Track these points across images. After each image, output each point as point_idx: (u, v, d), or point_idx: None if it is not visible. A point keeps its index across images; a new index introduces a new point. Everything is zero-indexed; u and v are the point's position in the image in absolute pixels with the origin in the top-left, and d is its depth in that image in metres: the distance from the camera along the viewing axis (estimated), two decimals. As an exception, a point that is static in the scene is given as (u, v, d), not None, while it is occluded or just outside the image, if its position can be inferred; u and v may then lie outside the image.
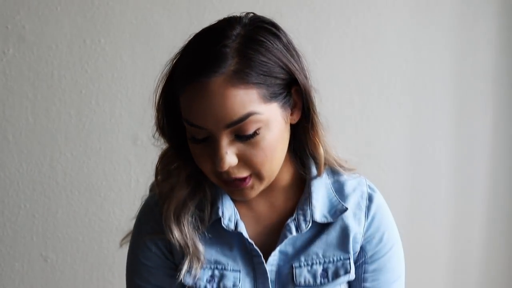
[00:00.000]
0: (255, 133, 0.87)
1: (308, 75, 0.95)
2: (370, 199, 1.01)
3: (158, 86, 0.94)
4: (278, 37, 0.91)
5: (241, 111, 0.85)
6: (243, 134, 0.87)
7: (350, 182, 1.01)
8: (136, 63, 1.72)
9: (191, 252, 0.95)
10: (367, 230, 0.99)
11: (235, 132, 0.87)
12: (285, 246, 0.97)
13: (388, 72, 1.85)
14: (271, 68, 0.88)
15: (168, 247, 0.99)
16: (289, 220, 0.97)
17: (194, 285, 0.96)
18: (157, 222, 1.00)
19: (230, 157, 0.88)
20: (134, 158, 1.74)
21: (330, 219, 0.98)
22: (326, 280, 0.96)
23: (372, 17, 1.82)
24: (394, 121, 1.87)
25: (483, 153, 1.95)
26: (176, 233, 0.95)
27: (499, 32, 1.90)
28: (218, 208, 0.97)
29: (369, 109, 1.85)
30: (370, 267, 1.00)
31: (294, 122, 0.95)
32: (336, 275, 0.96)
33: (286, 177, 1.01)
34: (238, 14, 0.94)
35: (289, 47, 0.92)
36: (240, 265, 0.97)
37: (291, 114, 0.94)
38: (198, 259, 0.96)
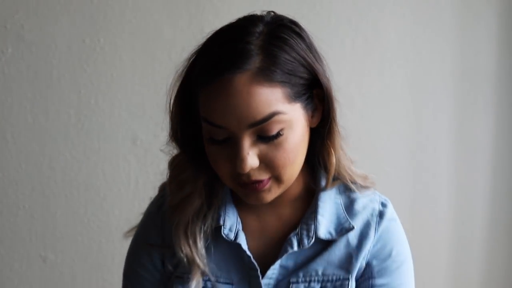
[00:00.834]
0: (278, 134, 0.84)
1: (329, 78, 0.92)
2: (381, 215, 0.96)
3: (172, 88, 0.91)
4: (301, 37, 0.88)
5: (265, 110, 0.82)
6: (266, 135, 0.84)
7: (362, 200, 0.97)
8: (135, 62, 1.72)
9: (201, 268, 0.92)
10: (374, 245, 0.95)
11: (258, 133, 0.84)
12: (286, 260, 0.94)
13: (389, 72, 1.85)
14: (295, 67, 0.85)
15: (161, 258, 0.98)
16: (291, 234, 0.93)
17: None
18: (156, 231, 0.98)
19: (252, 158, 0.84)
20: (133, 158, 1.74)
21: (334, 237, 0.94)
22: None
23: (373, 17, 1.82)
24: (394, 121, 1.87)
25: (484, 153, 1.94)
26: (185, 248, 0.92)
27: (500, 32, 1.90)
28: (220, 216, 0.94)
29: (369, 109, 1.85)
30: (378, 282, 0.95)
31: (314, 125, 0.92)
32: None
33: (296, 188, 0.97)
34: (259, 13, 0.92)
35: (311, 48, 0.90)
36: (233, 278, 0.95)
37: (311, 117, 0.91)
38: (204, 273, 0.93)
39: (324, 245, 0.94)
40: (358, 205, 0.96)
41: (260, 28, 0.86)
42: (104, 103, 1.72)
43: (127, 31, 1.71)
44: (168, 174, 0.99)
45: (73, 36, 1.69)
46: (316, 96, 0.90)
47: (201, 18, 1.71)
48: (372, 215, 0.96)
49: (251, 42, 0.83)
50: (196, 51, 0.89)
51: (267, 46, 0.83)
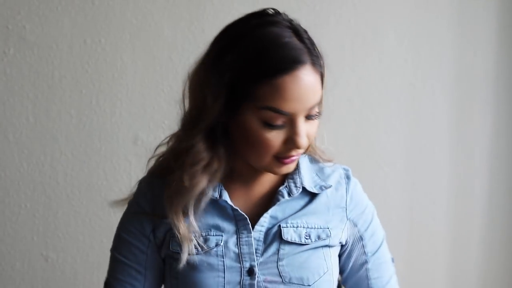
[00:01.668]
0: (319, 113, 0.99)
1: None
2: (347, 177, 1.13)
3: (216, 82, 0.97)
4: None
5: (320, 94, 0.98)
6: (314, 114, 0.98)
7: (328, 168, 1.13)
8: (136, 63, 1.72)
9: (192, 241, 1.02)
10: (352, 209, 1.11)
11: (308, 113, 0.97)
12: (275, 211, 1.06)
13: (388, 72, 1.85)
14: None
15: (152, 227, 1.07)
16: (281, 187, 1.06)
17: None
18: (147, 200, 1.08)
19: (305, 136, 0.98)
20: (134, 158, 1.74)
21: (317, 191, 1.08)
22: (309, 240, 1.05)
23: (372, 17, 1.82)
24: (394, 120, 1.88)
25: (482, 152, 1.95)
26: (183, 227, 1.01)
27: (499, 32, 1.90)
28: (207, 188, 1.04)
29: (369, 109, 1.85)
30: (367, 234, 1.12)
31: None
32: (318, 238, 1.06)
33: None
34: (270, 11, 1.00)
35: None
36: (222, 231, 1.04)
37: None
38: (194, 244, 1.03)
39: (307, 201, 1.08)
40: (327, 171, 1.12)
41: (288, 24, 0.98)
42: (105, 103, 1.72)
43: (128, 31, 1.71)
44: (168, 149, 1.07)
45: (75, 36, 1.69)
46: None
47: (202, 19, 1.72)
48: (340, 177, 1.12)
49: (295, 37, 0.96)
50: (245, 49, 0.95)
51: (304, 40, 0.97)
